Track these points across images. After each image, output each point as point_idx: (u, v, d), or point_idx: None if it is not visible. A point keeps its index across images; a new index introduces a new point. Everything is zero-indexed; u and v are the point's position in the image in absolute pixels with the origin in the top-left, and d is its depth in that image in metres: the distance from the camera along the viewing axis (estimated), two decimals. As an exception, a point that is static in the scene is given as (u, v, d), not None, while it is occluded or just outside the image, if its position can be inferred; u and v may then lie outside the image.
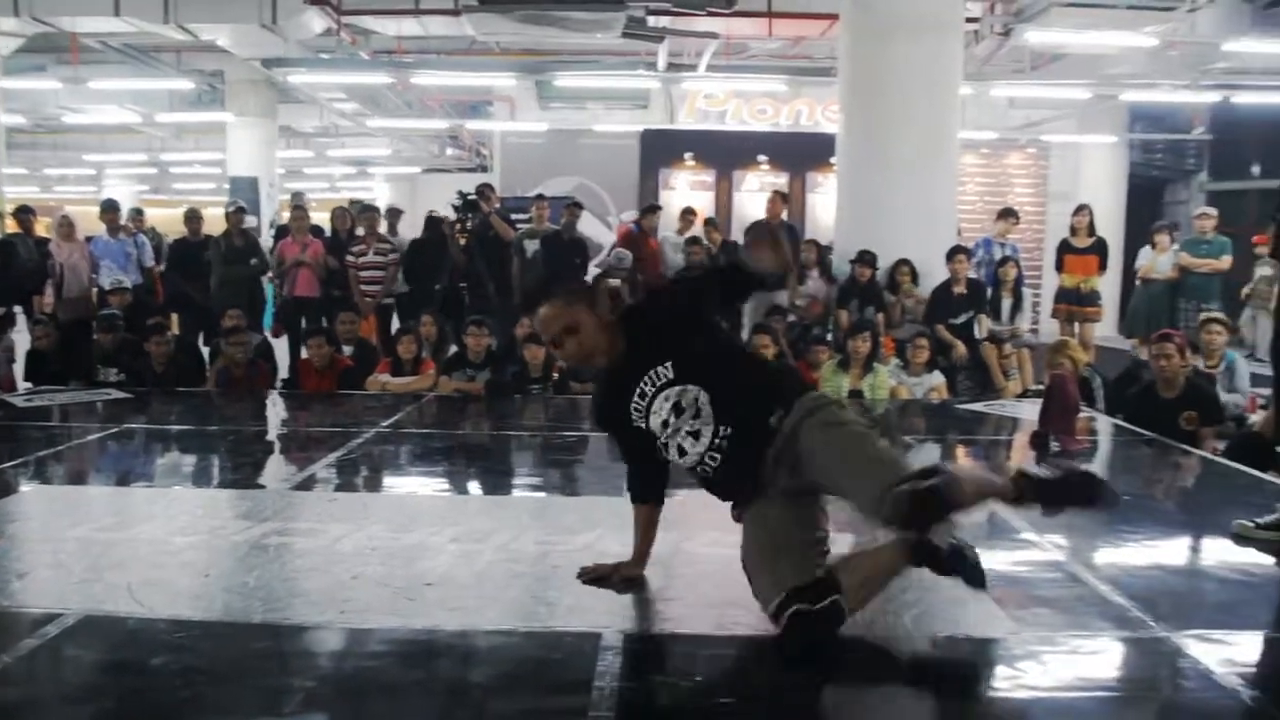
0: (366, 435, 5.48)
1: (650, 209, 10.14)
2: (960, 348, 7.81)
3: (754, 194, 13.57)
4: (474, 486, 4.78)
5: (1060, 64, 13.31)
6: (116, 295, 8.15)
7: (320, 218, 9.96)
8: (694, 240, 9.30)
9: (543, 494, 4.56)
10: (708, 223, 10.51)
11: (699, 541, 3.39)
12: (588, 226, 10.70)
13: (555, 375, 7.11)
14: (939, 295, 8.16)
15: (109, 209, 8.93)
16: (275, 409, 6.91)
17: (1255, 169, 16.57)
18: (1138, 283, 10.34)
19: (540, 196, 9.75)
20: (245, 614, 2.76)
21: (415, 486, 4.74)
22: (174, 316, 8.76)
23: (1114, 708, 2.39)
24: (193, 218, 9.14)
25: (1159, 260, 9.96)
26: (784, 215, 9.64)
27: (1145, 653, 2.62)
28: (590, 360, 2.91)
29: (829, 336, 8.09)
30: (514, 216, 9.95)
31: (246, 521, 3.66)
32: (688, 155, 14.41)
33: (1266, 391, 7.38)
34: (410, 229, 9.68)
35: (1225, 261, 9.61)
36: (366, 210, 9.08)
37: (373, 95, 16.65)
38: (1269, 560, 3.35)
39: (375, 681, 2.40)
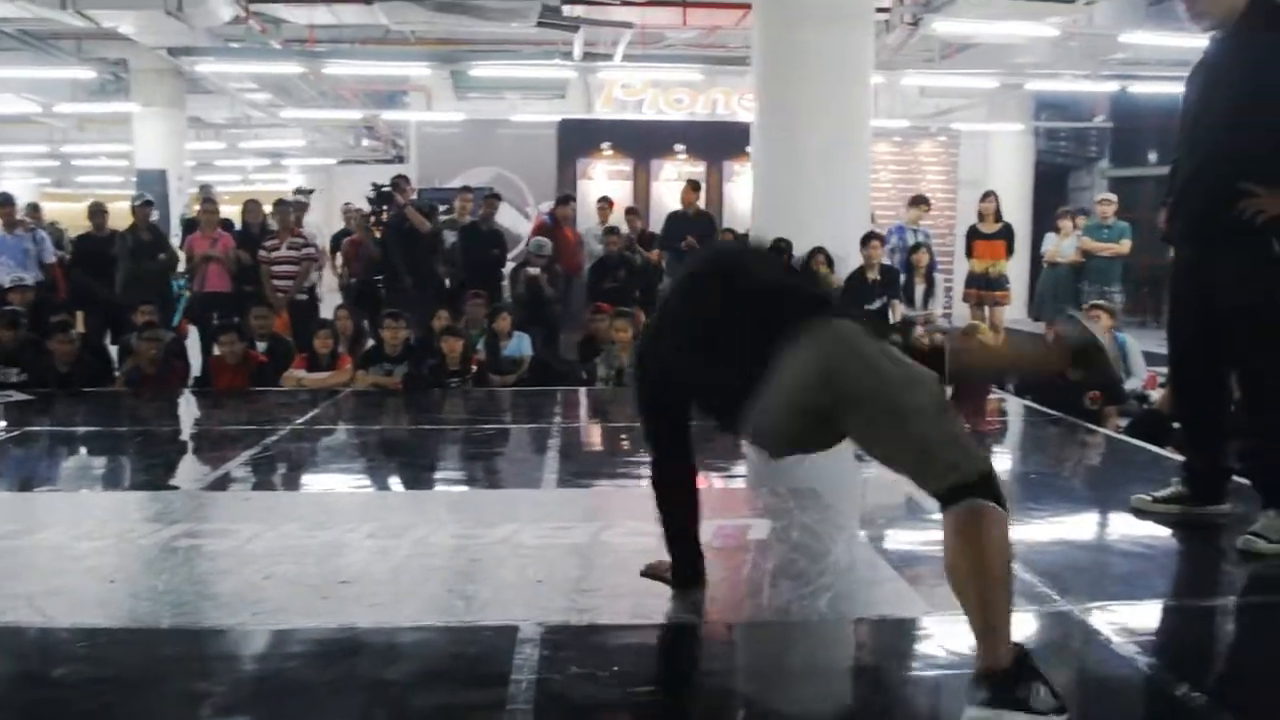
0: (282, 432, 5.38)
1: (564, 199, 10.14)
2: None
3: (672, 183, 13.61)
4: (392, 482, 4.74)
5: (968, 54, 13.61)
6: (17, 293, 7.87)
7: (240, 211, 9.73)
8: (611, 230, 9.31)
9: (462, 488, 4.53)
10: (629, 211, 10.52)
11: (616, 532, 3.41)
12: (506, 217, 10.63)
13: (474, 368, 7.07)
14: (853, 282, 8.29)
15: (4, 203, 8.61)
16: (187, 408, 6.75)
17: (1152, 156, 17.16)
18: (1045, 266, 10.63)
19: (465, 188, 9.66)
20: (154, 619, 2.69)
21: (332, 483, 4.66)
22: (79, 314, 8.49)
23: (1021, 681, 2.45)
24: (97, 212, 8.85)
25: (1063, 245, 10.26)
26: (699, 204, 9.71)
27: (1052, 626, 2.69)
28: None
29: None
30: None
31: (156, 524, 3.57)
32: (605, 145, 14.40)
33: (1165, 370, 7.69)
34: (322, 222, 9.53)
35: (1125, 246, 9.93)
36: (281, 205, 8.91)
37: (285, 85, 16.28)
38: (1166, 532, 3.49)
39: (291, 683, 2.36)
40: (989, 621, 2.05)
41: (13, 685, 2.41)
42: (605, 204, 10.24)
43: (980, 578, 2.06)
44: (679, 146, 14.42)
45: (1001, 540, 2.08)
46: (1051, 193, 17.56)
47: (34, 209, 10.25)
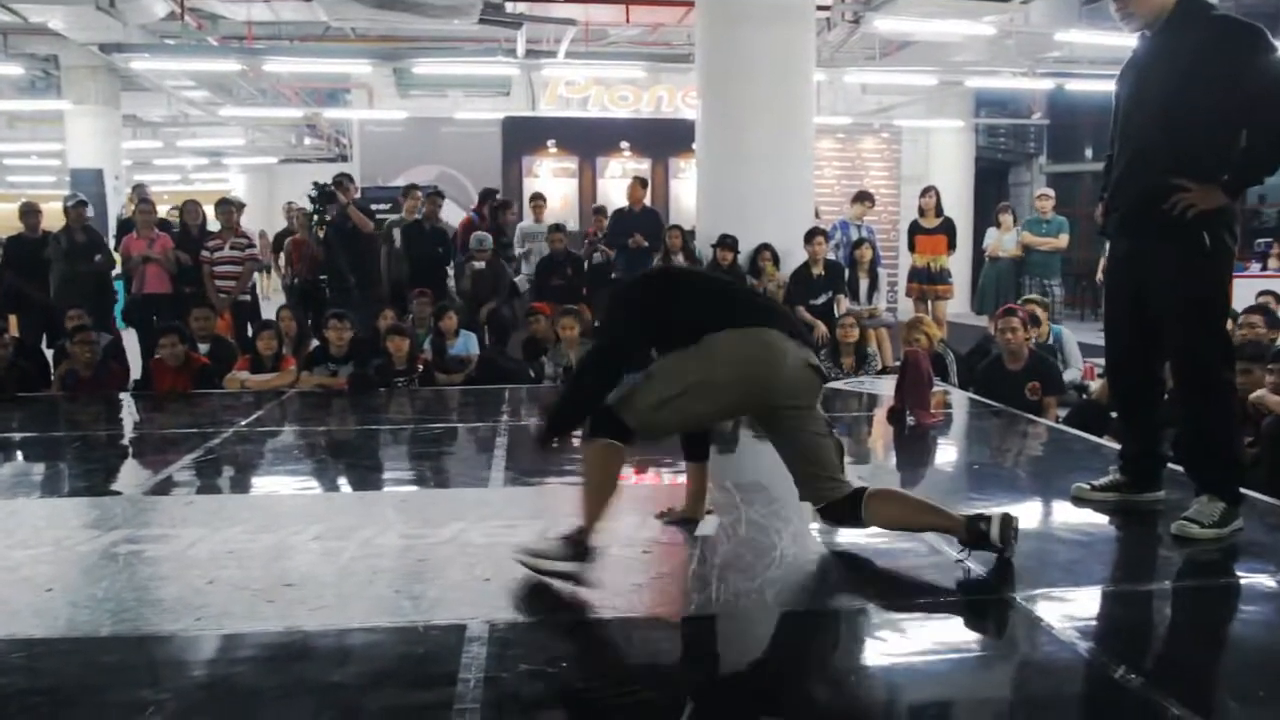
0: (225, 435, 5.30)
1: (486, 193, 10.11)
2: (821, 327, 8.02)
3: (617, 180, 13.61)
4: (338, 483, 4.68)
5: (908, 51, 13.81)
6: (-54, 297, 7.66)
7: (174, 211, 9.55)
8: (557, 228, 9.30)
9: (409, 488, 4.50)
10: (596, 210, 10.45)
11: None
12: (451, 215, 10.56)
13: (420, 367, 7.02)
14: (799, 277, 8.36)
15: (-69, 205, 8.39)
16: (127, 411, 6.62)
17: (1088, 152, 17.52)
18: (986, 260, 10.80)
19: (413, 186, 9.57)
20: (93, 627, 2.64)
21: (276, 486, 4.60)
22: (12, 318, 8.28)
23: (967, 669, 2.50)
24: (29, 212, 8.62)
25: (1004, 239, 10.43)
26: (645, 201, 9.72)
27: (996, 615, 2.76)
28: None
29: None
30: (374, 207, 9.75)
31: (94, 530, 3.50)
32: (550, 142, 14.34)
33: (1103, 361, 7.86)
34: (264, 222, 9.39)
35: (1063, 240, 10.12)
36: (224, 204, 8.76)
37: (223, 83, 16.05)
38: (1104, 519, 3.57)
39: (238, 688, 2.33)
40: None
41: (-54, 698, 2.35)
42: (539, 201, 10.23)
43: None
44: (624, 144, 14.42)
45: None
46: (992, 188, 17.87)
47: (-37, 210, 9.99)
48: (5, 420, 6.06)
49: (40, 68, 14.39)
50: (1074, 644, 2.50)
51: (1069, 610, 2.71)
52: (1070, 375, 6.79)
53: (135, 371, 7.72)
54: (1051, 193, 10.57)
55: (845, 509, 3.07)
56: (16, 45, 13.10)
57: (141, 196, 9.97)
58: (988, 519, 2.97)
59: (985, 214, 14.18)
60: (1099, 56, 12.59)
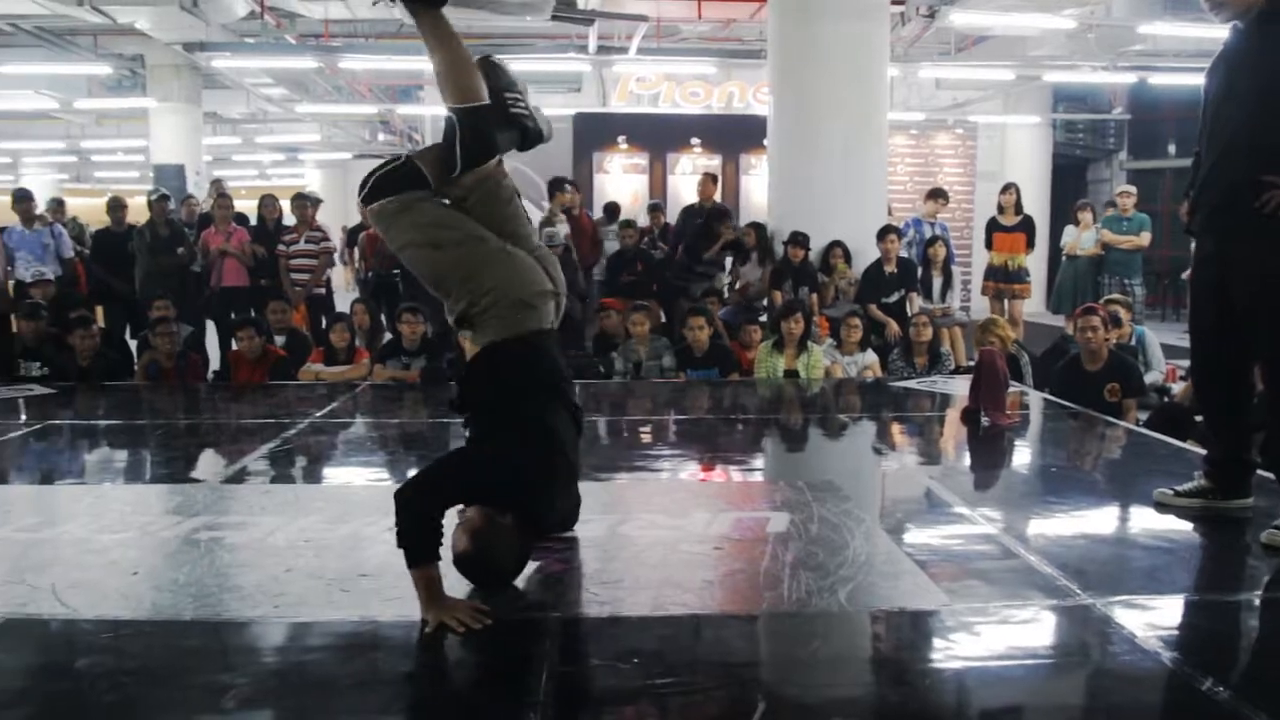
0: (300, 426, 5.40)
1: (555, 182, 10.04)
2: (893, 326, 7.92)
3: (688, 176, 13.59)
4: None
5: (984, 46, 13.55)
6: (39, 287, 7.92)
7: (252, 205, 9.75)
8: (628, 224, 9.30)
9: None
10: (653, 208, 10.48)
11: (636, 524, 3.41)
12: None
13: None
14: (870, 275, 8.27)
15: (22, 199, 8.64)
16: (206, 401, 6.78)
17: (1171, 148, 17.04)
18: (1063, 259, 10.58)
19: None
20: (176, 611, 2.71)
21: (350, 477, 4.68)
22: (98, 309, 8.54)
23: (1043, 674, 2.45)
24: (116, 207, 8.89)
25: (1083, 237, 10.20)
26: (716, 197, 9.69)
27: (1073, 620, 2.68)
28: None
29: (763, 317, 8.16)
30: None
31: (176, 517, 3.59)
32: (621, 138, 14.38)
33: (1186, 363, 7.65)
34: (339, 217, 9.55)
35: (1145, 238, 9.87)
36: (299, 199, 8.93)
37: (300, 80, 16.35)
38: (1188, 526, 3.47)
39: (312, 675, 2.37)
40: None
41: (37, 676, 2.43)
42: (613, 207, 10.29)
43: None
44: (695, 140, 14.39)
45: None
46: (1069, 185, 17.47)
47: (58, 204, 10.29)
48: (90, 407, 6.25)
49: (127, 67, 14.80)
50: (1158, 653, 2.43)
51: (1151, 618, 2.63)
52: (1152, 377, 6.62)
53: (214, 363, 7.91)
54: (1133, 190, 10.31)
55: None
56: (105, 46, 13.53)
57: (219, 191, 10.21)
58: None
59: (1062, 211, 13.88)
60: (1184, 49, 12.23)
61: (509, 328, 2.88)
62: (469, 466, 2.78)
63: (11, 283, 8.25)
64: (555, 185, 9.62)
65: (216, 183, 10.91)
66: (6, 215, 8.77)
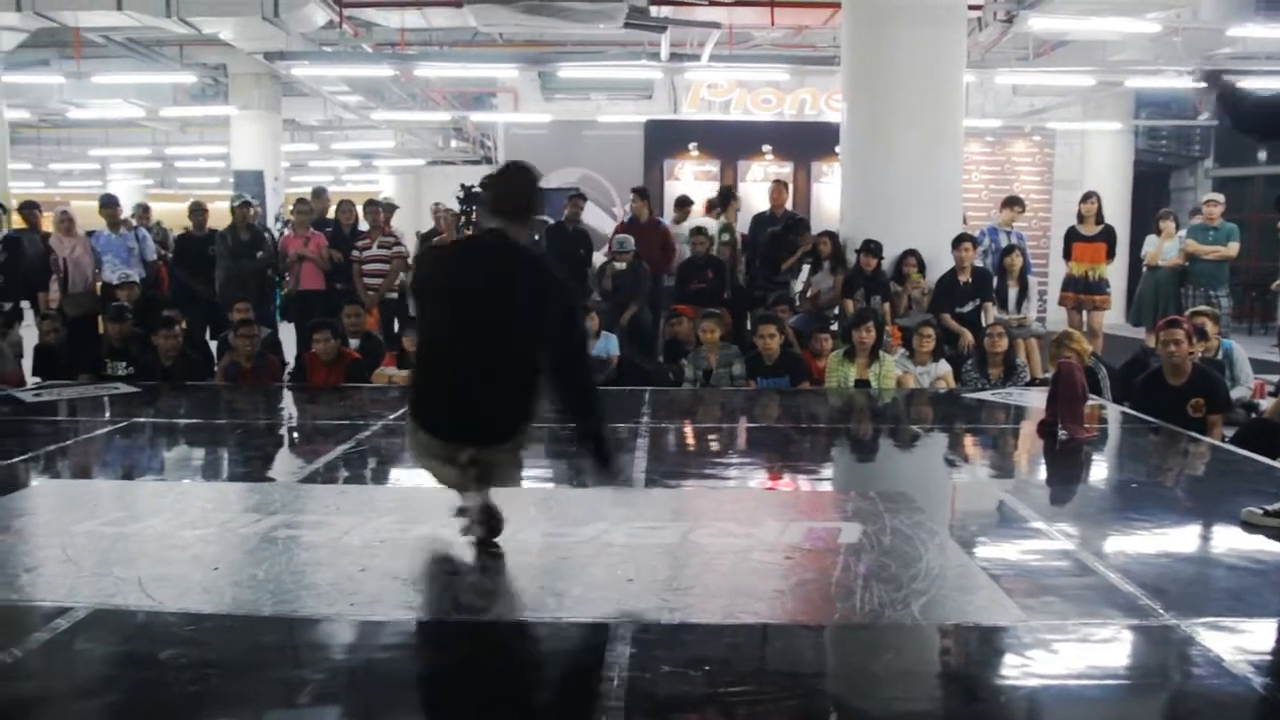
0: (374, 428, 5.48)
1: (639, 192, 10.06)
2: (967, 336, 7.79)
3: (759, 184, 13.54)
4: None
5: (1063, 50, 13.27)
6: (124, 289, 8.15)
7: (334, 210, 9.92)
8: (699, 230, 9.27)
9: (550, 485, 4.56)
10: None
11: (706, 532, 3.40)
12: (592, 217, 10.68)
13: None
14: (944, 284, 8.14)
15: (108, 204, 8.90)
16: (283, 402, 6.92)
17: (1261, 154, 16.50)
18: (1144, 270, 10.30)
19: (578, 192, 9.73)
20: (255, 607, 2.77)
21: (422, 479, 4.72)
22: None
23: (1123, 696, 2.39)
24: (197, 211, 9.12)
25: (1165, 247, 9.92)
26: (788, 205, 9.63)
27: (1154, 641, 2.61)
28: None
29: (835, 326, 8.08)
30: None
31: (255, 514, 3.67)
32: (692, 145, 14.39)
33: (1274, 378, 7.40)
34: (415, 222, 9.68)
35: (1233, 248, 9.55)
36: (372, 204, 9.08)
37: (376, 88, 16.62)
38: (1277, 547, 3.35)
39: (385, 673, 2.41)
40: None
41: (121, 665, 2.50)
42: (685, 204, 10.21)
43: None
44: (766, 147, 14.34)
45: None
46: (1151, 193, 17.03)
47: (143, 210, 10.60)
48: (173, 406, 6.42)
49: (210, 76, 15.25)
50: (1247, 678, 2.35)
51: (1240, 641, 2.55)
52: (1239, 392, 6.42)
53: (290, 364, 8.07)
54: (1220, 198, 9.99)
55: None
56: (190, 55, 13.94)
57: (302, 197, 10.42)
58: None
59: (1143, 220, 13.52)
60: (1274, 51, 11.85)
61: None
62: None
63: (98, 285, 8.52)
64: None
65: (318, 190, 10.91)
66: (94, 220, 9.05)
